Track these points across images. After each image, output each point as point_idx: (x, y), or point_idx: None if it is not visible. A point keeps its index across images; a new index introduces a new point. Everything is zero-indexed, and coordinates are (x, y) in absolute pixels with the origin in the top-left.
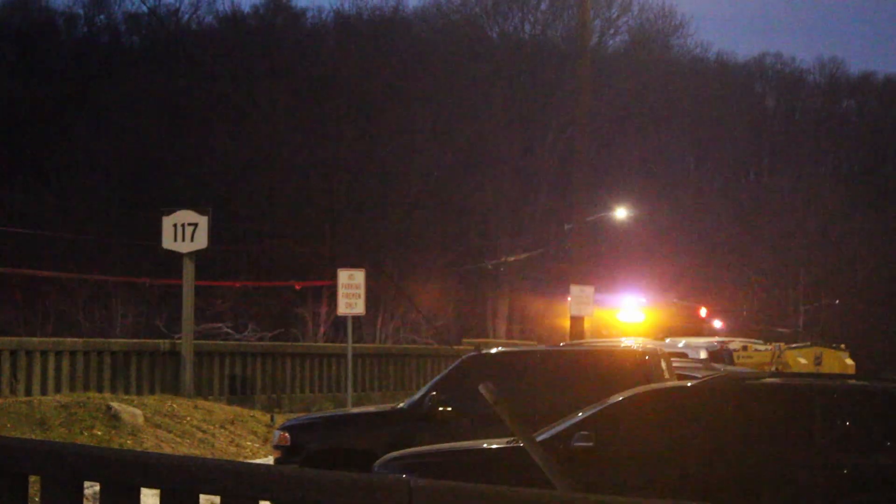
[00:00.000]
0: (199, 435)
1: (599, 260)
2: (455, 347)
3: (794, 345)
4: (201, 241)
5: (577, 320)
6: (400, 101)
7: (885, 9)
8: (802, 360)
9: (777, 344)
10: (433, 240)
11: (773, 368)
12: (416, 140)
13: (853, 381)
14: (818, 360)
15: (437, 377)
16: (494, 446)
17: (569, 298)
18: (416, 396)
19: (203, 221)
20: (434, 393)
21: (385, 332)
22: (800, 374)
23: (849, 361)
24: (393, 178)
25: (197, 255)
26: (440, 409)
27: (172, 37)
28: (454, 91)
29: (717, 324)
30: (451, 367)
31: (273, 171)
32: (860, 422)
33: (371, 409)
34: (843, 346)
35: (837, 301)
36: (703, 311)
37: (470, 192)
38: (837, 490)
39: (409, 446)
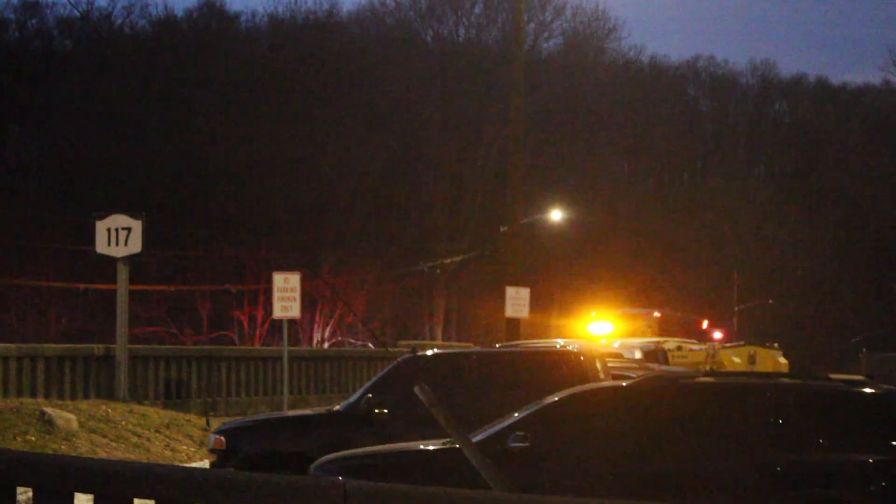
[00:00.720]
0: (134, 439)
1: (535, 262)
2: (391, 350)
3: (728, 344)
4: (135, 245)
5: (512, 322)
6: (337, 105)
7: (815, 11)
8: (736, 360)
9: (711, 343)
10: (370, 242)
11: (708, 368)
12: (352, 143)
13: (786, 380)
14: (752, 360)
15: (373, 379)
16: (430, 448)
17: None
18: (353, 399)
19: (137, 226)
20: (370, 395)
21: (321, 335)
22: (734, 373)
23: (782, 360)
24: (330, 180)
25: (131, 260)
26: (376, 410)
27: (105, 41)
28: (390, 94)
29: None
30: (387, 369)
31: (209, 174)
32: (793, 419)
33: (307, 411)
34: (776, 345)
35: (771, 301)
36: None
37: (407, 194)
38: (771, 487)
39: (346, 449)
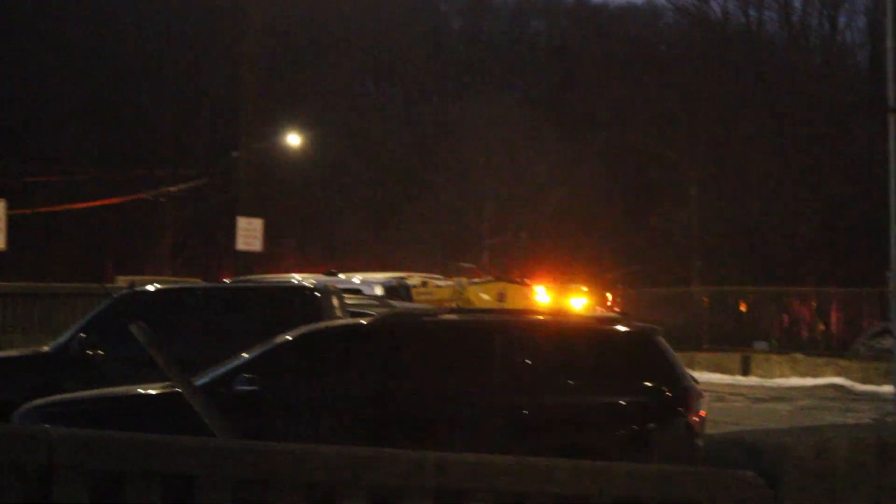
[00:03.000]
0: None
1: (269, 191)
2: (108, 285)
3: (476, 280)
4: None
5: (243, 255)
6: (52, 14)
7: None
8: (485, 297)
9: (458, 279)
10: (86, 167)
11: (455, 305)
12: (70, 57)
13: (535, 317)
14: (502, 297)
15: (87, 317)
16: (149, 392)
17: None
18: (63, 338)
19: None
20: (83, 334)
21: (32, 269)
22: (481, 311)
23: (533, 297)
24: (41, 95)
25: None
26: (90, 352)
27: None
28: (114, 5)
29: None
30: (102, 306)
31: None
32: (541, 359)
33: (12, 353)
34: (527, 280)
35: (524, 233)
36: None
37: (128, 114)
38: (517, 430)
39: (55, 394)
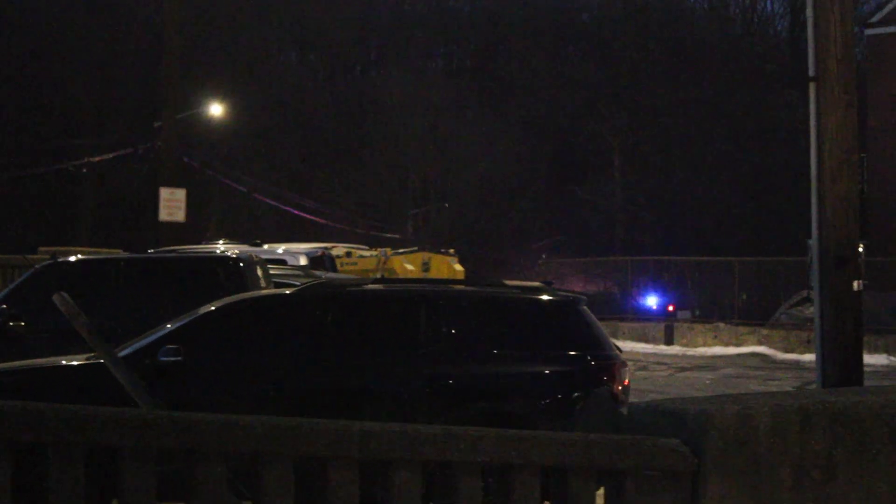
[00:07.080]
0: None
1: (193, 161)
2: (30, 257)
3: (400, 250)
4: None
5: (167, 226)
6: None
7: None
8: (410, 267)
9: (383, 249)
10: (3, 137)
11: (379, 275)
12: None
13: (460, 287)
14: (426, 266)
15: (8, 289)
16: (72, 363)
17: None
18: None
19: None
20: (4, 306)
21: None
22: (405, 281)
23: (458, 267)
24: None
25: None
26: (11, 323)
27: None
28: None
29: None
30: (23, 277)
31: None
32: (465, 329)
33: None
34: (451, 251)
35: (447, 204)
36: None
37: (47, 82)
38: (443, 401)
39: None
